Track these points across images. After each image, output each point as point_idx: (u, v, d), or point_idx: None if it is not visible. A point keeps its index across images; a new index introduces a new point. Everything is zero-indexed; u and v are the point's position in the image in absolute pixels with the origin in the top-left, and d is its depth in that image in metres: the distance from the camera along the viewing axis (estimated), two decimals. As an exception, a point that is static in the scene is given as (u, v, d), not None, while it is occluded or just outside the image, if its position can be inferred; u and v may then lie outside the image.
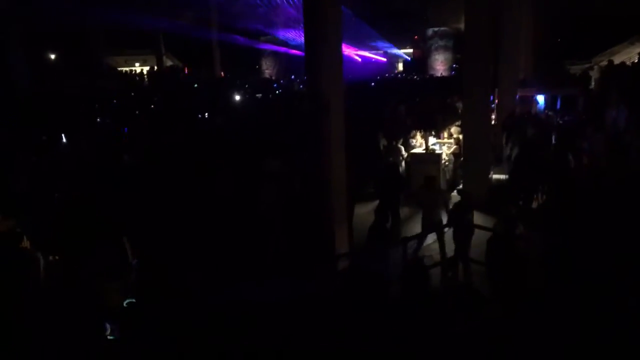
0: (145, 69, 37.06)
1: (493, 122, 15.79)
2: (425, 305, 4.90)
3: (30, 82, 24.87)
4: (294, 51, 36.65)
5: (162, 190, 8.34)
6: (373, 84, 30.44)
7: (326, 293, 5.24)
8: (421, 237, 9.17)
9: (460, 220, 8.40)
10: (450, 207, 8.93)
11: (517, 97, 17.38)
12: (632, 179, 10.10)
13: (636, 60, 21.78)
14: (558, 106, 18.42)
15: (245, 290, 6.18)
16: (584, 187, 10.06)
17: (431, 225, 8.85)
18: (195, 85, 29.04)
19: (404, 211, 10.96)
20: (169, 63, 38.63)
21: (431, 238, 9.35)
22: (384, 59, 43.77)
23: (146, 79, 33.29)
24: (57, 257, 6.24)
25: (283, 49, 38.39)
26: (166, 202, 7.81)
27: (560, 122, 16.16)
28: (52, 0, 24.09)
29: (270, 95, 25.13)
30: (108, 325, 5.22)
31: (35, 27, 26.36)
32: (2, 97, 21.11)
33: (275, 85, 30.49)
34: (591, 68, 22.43)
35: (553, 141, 13.45)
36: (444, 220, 8.98)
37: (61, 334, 4.80)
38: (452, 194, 12.49)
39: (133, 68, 38.66)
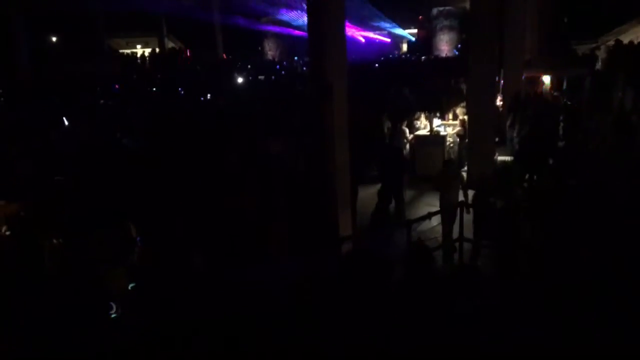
0: (147, 51, 36.81)
1: (498, 103, 15.66)
2: (429, 287, 4.89)
3: (32, 65, 24.79)
4: (297, 32, 36.32)
5: (165, 172, 8.30)
6: (377, 64, 30.15)
7: (330, 276, 5.22)
8: (425, 219, 9.14)
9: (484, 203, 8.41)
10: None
11: (523, 77, 17.20)
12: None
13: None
14: (564, 87, 18.24)
15: (248, 272, 6.17)
16: (590, 168, 9.97)
17: (449, 207, 8.81)
18: (197, 67, 28.86)
19: (407, 194, 10.92)
20: (170, 45, 38.37)
21: (436, 220, 9.31)
22: (388, 40, 43.31)
23: (147, 61, 33.08)
24: (60, 241, 6.23)
25: (286, 30, 38.01)
26: (169, 185, 7.76)
27: (568, 102, 16.00)
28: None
29: (273, 77, 24.94)
30: (113, 305, 5.27)
31: (37, 9, 26.16)
32: (3, 79, 21.06)
33: (277, 67, 30.25)
34: (598, 48, 22.14)
35: (559, 122, 13.32)
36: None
37: (65, 316, 4.83)
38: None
39: (135, 50, 38.42)
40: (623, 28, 24.49)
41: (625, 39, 22.23)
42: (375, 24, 39.29)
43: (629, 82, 15.20)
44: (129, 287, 5.65)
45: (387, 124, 13.63)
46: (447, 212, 8.76)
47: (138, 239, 6.24)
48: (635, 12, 24.32)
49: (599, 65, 19.91)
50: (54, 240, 6.18)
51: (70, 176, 8.31)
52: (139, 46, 38.75)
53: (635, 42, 21.31)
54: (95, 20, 33.93)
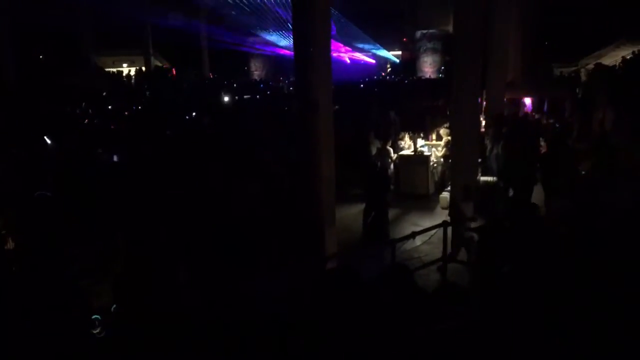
0: (133, 69, 36.85)
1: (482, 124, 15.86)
2: (411, 306, 4.91)
3: (19, 81, 24.66)
4: (283, 51, 36.64)
5: (151, 188, 8.28)
6: (362, 85, 30.47)
7: (312, 293, 5.22)
8: (409, 238, 9.19)
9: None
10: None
11: (505, 99, 17.46)
12: (619, 179, 10.17)
13: (622, 63, 21.99)
14: (545, 108, 18.56)
15: (233, 287, 6.16)
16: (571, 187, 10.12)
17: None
18: (183, 86, 28.93)
19: (391, 212, 10.99)
20: (157, 64, 38.43)
21: (419, 240, 9.38)
22: (373, 61, 43.86)
23: (133, 80, 33.09)
24: (42, 257, 6.17)
25: (271, 49, 38.33)
26: (155, 200, 7.74)
27: (548, 122, 16.27)
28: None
29: (258, 96, 25.06)
30: (97, 322, 5.20)
31: (24, 24, 26.13)
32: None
33: (262, 86, 30.41)
34: (578, 70, 22.65)
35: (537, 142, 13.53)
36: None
37: (48, 333, 4.76)
38: (441, 195, 12.54)
39: (120, 69, 38.42)
40: (602, 52, 25.14)
41: (605, 62, 22.79)
42: (360, 45, 39.77)
43: (609, 103, 15.53)
44: (111, 308, 5.60)
45: (376, 144, 13.73)
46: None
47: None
48: (614, 36, 24.99)
49: (578, 88, 20.35)
50: (35, 257, 6.13)
51: (54, 191, 8.25)
52: (125, 65, 38.77)
53: (615, 64, 21.85)
54: (82, 38, 33.97)
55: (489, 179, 12.44)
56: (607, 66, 21.88)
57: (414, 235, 8.62)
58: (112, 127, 15.02)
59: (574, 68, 23.65)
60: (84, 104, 19.47)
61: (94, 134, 13.93)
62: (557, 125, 14.51)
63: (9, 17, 25.11)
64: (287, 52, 35.18)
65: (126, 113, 17.98)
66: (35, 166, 9.95)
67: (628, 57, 21.99)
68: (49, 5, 25.56)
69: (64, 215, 7.07)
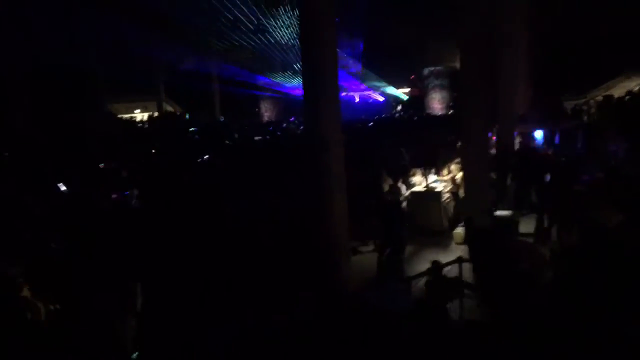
0: (146, 115, 37.44)
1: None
2: (435, 341, 4.84)
3: (32, 128, 25.07)
4: (293, 91, 37.13)
5: (166, 232, 8.31)
6: (372, 123, 30.68)
7: (333, 333, 5.16)
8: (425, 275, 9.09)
9: None
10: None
11: (516, 133, 17.48)
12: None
13: (632, 94, 21.99)
14: (557, 141, 18.51)
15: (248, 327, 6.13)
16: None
17: None
18: (194, 129, 29.30)
19: (407, 249, 10.90)
20: (169, 109, 39.06)
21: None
22: (382, 99, 44.26)
23: (146, 124, 33.58)
24: (57, 306, 6.16)
25: (283, 89, 38.87)
26: (170, 244, 7.77)
27: (556, 154, 16.21)
28: (56, 44, 24.64)
29: (268, 137, 25.28)
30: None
31: (38, 71, 26.74)
32: (3, 141, 21.25)
33: (270, 128, 30.69)
34: (587, 103, 22.67)
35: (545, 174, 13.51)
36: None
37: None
38: (455, 231, 12.44)
39: (133, 115, 39.05)
40: (611, 83, 25.22)
41: (613, 94, 22.84)
42: (369, 83, 40.24)
43: (621, 134, 15.48)
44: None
45: (388, 181, 13.73)
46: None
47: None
48: (622, 68, 25.11)
49: (588, 119, 20.36)
50: (51, 306, 6.13)
51: (69, 241, 8.31)
52: (137, 110, 39.42)
53: (623, 96, 21.87)
54: (96, 85, 34.63)
55: (504, 213, 12.36)
56: (615, 98, 21.92)
57: (430, 272, 8.51)
58: (125, 172, 15.18)
59: (583, 100, 23.67)
60: (99, 151, 19.73)
61: (108, 179, 14.08)
62: (563, 159, 14.48)
63: (24, 64, 25.72)
64: (296, 93, 35.66)
65: (138, 158, 18.18)
66: (53, 214, 10.05)
67: (636, 89, 22.06)
68: (62, 52, 26.19)
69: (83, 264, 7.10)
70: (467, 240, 9.29)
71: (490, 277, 8.19)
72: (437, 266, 7.53)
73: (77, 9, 22.43)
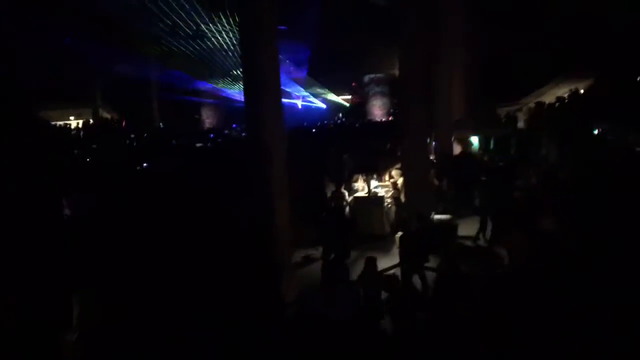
0: (81, 122, 36.11)
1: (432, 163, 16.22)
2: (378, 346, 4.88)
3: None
4: (235, 96, 36.81)
5: (104, 241, 8.05)
6: (314, 130, 30.82)
7: (277, 341, 5.12)
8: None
9: None
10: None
11: (453, 138, 17.96)
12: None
13: (562, 100, 23.02)
14: (492, 146, 19.14)
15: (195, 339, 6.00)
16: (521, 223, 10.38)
17: None
18: (132, 136, 28.57)
19: (351, 254, 10.96)
20: (105, 116, 37.85)
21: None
22: (324, 106, 44.58)
23: (81, 133, 32.41)
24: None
25: (224, 93, 38.46)
26: (108, 253, 7.53)
27: (492, 159, 16.77)
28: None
29: (209, 144, 24.94)
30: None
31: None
32: None
33: (212, 135, 30.29)
34: (520, 109, 23.58)
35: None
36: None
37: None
38: (397, 235, 12.62)
39: (68, 122, 37.59)
40: (542, 90, 26.35)
41: (544, 100, 23.87)
42: (311, 90, 40.42)
43: (551, 140, 16.18)
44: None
45: (331, 187, 13.79)
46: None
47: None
48: (551, 76, 26.31)
49: (521, 125, 21.18)
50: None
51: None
52: (72, 117, 37.98)
53: (554, 102, 22.90)
54: (26, 92, 33.18)
55: (443, 217, 12.64)
56: (545, 104, 22.92)
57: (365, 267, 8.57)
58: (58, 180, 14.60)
59: (516, 107, 24.61)
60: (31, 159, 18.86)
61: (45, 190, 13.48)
62: (501, 163, 15.04)
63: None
64: (238, 99, 35.41)
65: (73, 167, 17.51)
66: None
67: (565, 95, 23.14)
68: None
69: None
70: (400, 242, 9.44)
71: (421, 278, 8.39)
72: (370, 260, 7.63)
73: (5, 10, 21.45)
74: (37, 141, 22.54)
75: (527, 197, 11.71)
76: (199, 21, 25.08)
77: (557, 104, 22.32)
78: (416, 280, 8.80)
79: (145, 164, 17.36)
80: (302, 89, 38.89)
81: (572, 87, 24.02)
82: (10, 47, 27.15)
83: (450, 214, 12.85)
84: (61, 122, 36.84)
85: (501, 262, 9.90)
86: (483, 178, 12.82)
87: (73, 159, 19.48)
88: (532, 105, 23.39)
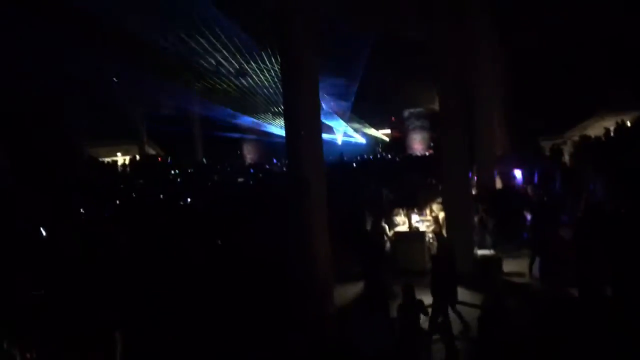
0: (127, 158, 37.26)
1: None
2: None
3: (12, 174, 24.79)
4: (276, 132, 37.32)
5: (150, 277, 8.18)
6: (354, 164, 30.87)
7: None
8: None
9: None
10: None
11: (495, 173, 17.72)
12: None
13: (610, 133, 22.49)
14: (535, 180, 18.78)
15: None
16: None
17: None
18: (176, 171, 29.21)
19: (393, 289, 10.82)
20: (151, 152, 38.96)
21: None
22: (364, 140, 44.74)
23: (128, 168, 33.40)
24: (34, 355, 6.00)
25: (265, 129, 39.09)
26: (155, 289, 7.64)
27: (537, 194, 16.42)
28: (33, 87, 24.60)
29: (251, 181, 25.25)
30: None
31: (18, 114, 26.57)
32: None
33: (252, 170, 30.68)
34: (564, 142, 23.12)
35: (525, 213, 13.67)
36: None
37: None
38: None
39: (115, 158, 38.82)
40: (587, 123, 25.79)
41: (590, 133, 23.35)
42: (351, 125, 40.66)
43: (598, 173, 15.75)
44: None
45: (369, 221, 13.74)
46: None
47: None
48: (596, 107, 25.78)
49: (566, 159, 20.72)
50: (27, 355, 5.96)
51: (48, 289, 8.12)
52: (119, 154, 39.22)
53: (600, 135, 22.37)
54: (76, 130, 34.50)
55: (486, 252, 12.41)
56: (591, 137, 22.41)
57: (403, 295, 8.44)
58: (106, 216, 15.00)
59: (560, 140, 24.14)
60: (80, 195, 19.50)
61: (89, 224, 13.89)
62: (545, 199, 14.69)
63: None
64: (279, 135, 35.90)
65: (117, 202, 17.97)
66: (32, 263, 9.83)
67: (611, 128, 22.57)
68: (41, 96, 26.13)
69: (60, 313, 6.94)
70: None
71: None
72: (408, 288, 7.53)
73: (58, 54, 22.50)
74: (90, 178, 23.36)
75: (575, 233, 11.40)
76: (241, 60, 25.75)
77: (603, 137, 21.81)
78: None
79: (188, 199, 17.69)
80: (343, 123, 39.06)
81: (618, 119, 23.44)
82: (61, 86, 28.45)
83: (493, 249, 12.62)
84: (109, 159, 38.11)
85: (549, 299, 9.62)
86: (527, 213, 12.58)
87: (119, 194, 20.02)
88: (576, 138, 22.91)
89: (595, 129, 24.39)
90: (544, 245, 11.00)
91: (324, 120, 34.77)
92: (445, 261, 9.11)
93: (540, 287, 10.75)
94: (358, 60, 29.64)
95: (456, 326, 8.62)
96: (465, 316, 9.17)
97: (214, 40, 22.27)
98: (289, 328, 7.57)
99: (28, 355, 5.96)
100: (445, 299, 8.67)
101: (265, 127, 38.15)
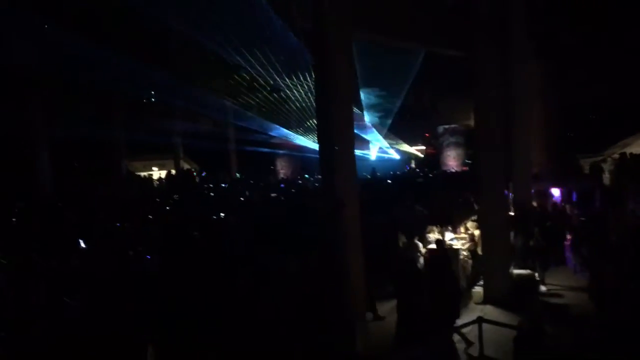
0: (163, 173, 37.93)
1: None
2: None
3: (54, 187, 25.52)
4: (310, 147, 37.47)
5: (183, 291, 8.21)
6: (388, 180, 30.69)
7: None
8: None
9: None
10: None
11: (532, 191, 17.36)
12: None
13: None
14: (574, 199, 18.35)
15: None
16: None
17: None
18: (210, 186, 29.55)
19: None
20: (186, 167, 39.57)
21: (455, 337, 9.02)
22: (398, 156, 44.55)
23: (164, 183, 33.97)
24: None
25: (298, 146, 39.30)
26: (187, 303, 7.66)
27: (577, 214, 16.04)
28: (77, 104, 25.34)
29: (283, 197, 25.33)
30: None
31: (60, 133, 27.36)
32: (26, 202, 21.58)
33: (282, 185, 30.77)
34: (604, 161, 22.54)
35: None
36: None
37: None
38: (474, 290, 12.20)
39: (151, 172, 39.58)
40: (628, 141, 25.09)
41: (630, 151, 22.73)
42: (387, 140, 40.53)
43: (639, 193, 15.29)
44: None
45: (402, 239, 13.59)
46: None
47: None
48: (637, 124, 25.08)
49: (605, 178, 20.19)
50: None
51: (85, 300, 8.25)
52: (155, 168, 39.97)
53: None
54: (115, 146, 35.34)
55: (523, 272, 12.14)
56: (634, 155, 21.79)
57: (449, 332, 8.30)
58: (142, 231, 15.22)
59: (600, 158, 23.54)
60: (116, 210, 19.88)
61: (125, 239, 14.10)
62: (583, 218, 14.35)
63: (46, 127, 26.39)
64: (313, 150, 35.97)
65: (150, 217, 18.22)
66: (68, 276, 10.02)
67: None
68: (81, 113, 26.89)
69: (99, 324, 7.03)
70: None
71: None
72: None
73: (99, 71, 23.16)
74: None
75: (618, 253, 11.08)
76: (276, 76, 26.04)
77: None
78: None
79: (222, 214, 17.82)
80: (380, 137, 38.89)
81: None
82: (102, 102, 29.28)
83: (530, 268, 12.34)
84: (145, 173, 38.86)
85: (590, 321, 9.32)
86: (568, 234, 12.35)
87: (156, 209, 20.32)
88: (617, 155, 22.31)
89: (636, 147, 23.74)
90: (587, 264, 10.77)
91: (361, 134, 34.88)
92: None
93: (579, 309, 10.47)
94: (405, 75, 29.77)
95: (490, 346, 8.40)
96: (501, 337, 8.94)
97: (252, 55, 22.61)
98: (325, 349, 7.49)
99: None
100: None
101: (298, 142, 38.26)
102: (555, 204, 17.89)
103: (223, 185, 31.44)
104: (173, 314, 7.37)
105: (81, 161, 34.08)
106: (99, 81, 24.66)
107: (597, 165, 22.08)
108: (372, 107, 35.42)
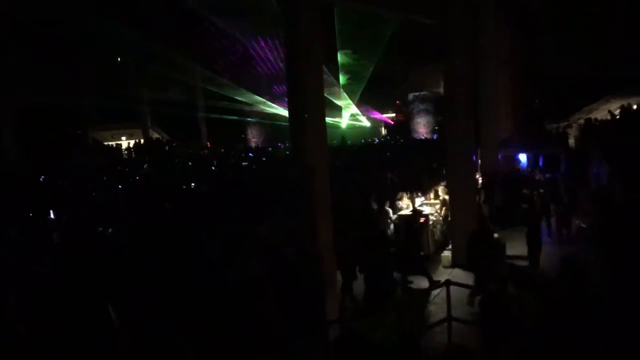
0: (132, 142, 37.30)
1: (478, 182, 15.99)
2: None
3: (18, 157, 24.95)
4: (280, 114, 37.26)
5: (149, 261, 8.17)
6: (358, 148, 30.80)
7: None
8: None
9: None
10: None
11: (500, 156, 17.66)
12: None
13: (614, 116, 22.31)
14: (540, 164, 18.73)
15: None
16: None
17: None
18: (180, 156, 29.24)
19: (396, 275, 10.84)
20: (155, 136, 38.94)
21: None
22: (368, 124, 44.58)
23: (132, 153, 33.45)
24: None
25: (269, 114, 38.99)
26: (153, 275, 7.62)
27: (544, 177, 16.38)
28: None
29: (254, 165, 25.21)
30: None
31: (23, 101, 26.61)
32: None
33: (250, 154, 30.55)
34: (569, 126, 22.99)
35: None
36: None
37: None
38: (442, 254, 12.45)
39: (119, 142, 38.87)
40: (593, 107, 25.60)
41: (596, 116, 23.21)
42: (358, 107, 40.43)
43: (603, 157, 15.69)
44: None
45: (374, 206, 13.69)
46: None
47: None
48: (603, 91, 25.57)
49: (571, 143, 20.64)
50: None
51: (51, 268, 8.16)
52: (123, 138, 39.25)
53: (605, 119, 22.22)
54: (79, 114, 34.54)
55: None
56: (597, 120, 22.27)
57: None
58: (111, 201, 15.03)
59: (565, 124, 23.98)
60: (83, 180, 19.56)
61: (93, 209, 13.91)
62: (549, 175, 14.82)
63: (9, 95, 25.63)
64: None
65: (120, 186, 17.99)
66: (34, 244, 9.88)
67: (616, 111, 22.41)
68: (46, 80, 26.10)
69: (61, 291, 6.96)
70: None
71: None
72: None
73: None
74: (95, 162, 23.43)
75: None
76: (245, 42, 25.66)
77: (608, 120, 21.66)
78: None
79: (192, 184, 17.69)
80: (352, 104, 38.71)
81: (624, 102, 23.26)
82: (66, 70, 28.43)
83: (497, 232, 12.60)
84: (113, 143, 38.17)
85: (553, 286, 9.59)
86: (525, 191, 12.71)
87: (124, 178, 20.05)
88: (582, 121, 22.77)
89: (601, 112, 24.24)
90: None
91: (333, 100, 34.72)
92: None
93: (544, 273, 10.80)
94: (378, 43, 29.71)
95: (458, 308, 8.62)
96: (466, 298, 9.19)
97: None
98: (293, 316, 7.56)
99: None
100: None
101: (269, 109, 37.89)
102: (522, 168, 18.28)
103: (193, 153, 31.13)
104: (142, 284, 7.34)
105: (46, 129, 33.20)
106: (68, 41, 23.84)
107: (563, 130, 22.53)
108: (346, 71, 35.27)
